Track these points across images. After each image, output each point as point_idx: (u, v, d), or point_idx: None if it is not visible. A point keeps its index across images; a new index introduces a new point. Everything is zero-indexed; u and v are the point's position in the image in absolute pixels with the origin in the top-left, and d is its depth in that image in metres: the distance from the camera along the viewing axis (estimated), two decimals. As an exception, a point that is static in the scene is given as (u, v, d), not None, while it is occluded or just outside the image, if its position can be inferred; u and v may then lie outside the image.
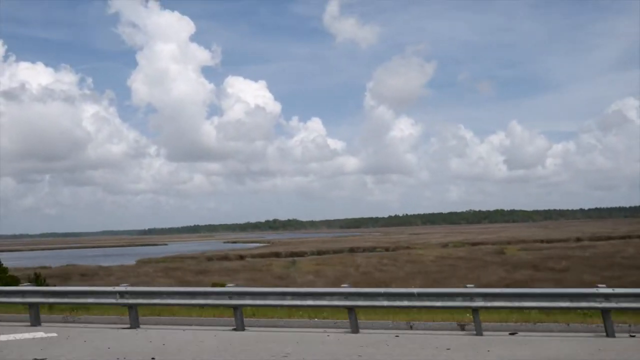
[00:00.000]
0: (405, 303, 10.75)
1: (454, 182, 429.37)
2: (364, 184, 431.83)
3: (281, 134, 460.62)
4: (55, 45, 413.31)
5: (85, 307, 13.22)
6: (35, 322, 12.13)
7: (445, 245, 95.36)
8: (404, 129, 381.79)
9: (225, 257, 79.10)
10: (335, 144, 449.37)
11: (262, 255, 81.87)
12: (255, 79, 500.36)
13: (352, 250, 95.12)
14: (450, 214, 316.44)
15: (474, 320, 10.43)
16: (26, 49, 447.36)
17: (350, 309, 10.87)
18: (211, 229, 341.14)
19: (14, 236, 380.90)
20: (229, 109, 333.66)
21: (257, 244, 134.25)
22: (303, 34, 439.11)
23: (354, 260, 63.07)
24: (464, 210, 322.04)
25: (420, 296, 10.66)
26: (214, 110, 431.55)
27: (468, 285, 10.73)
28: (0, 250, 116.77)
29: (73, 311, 13.43)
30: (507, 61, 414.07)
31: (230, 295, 11.45)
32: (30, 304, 12.27)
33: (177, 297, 11.99)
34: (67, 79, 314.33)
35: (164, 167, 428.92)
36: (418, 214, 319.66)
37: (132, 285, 12.43)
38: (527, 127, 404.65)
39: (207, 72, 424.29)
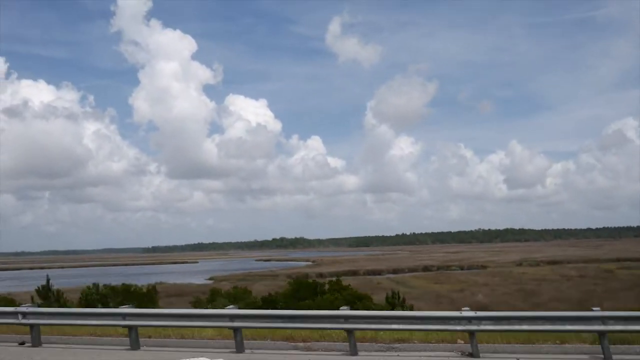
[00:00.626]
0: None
1: (454, 200, 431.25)
2: (363, 202, 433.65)
3: (281, 152, 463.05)
4: (57, 64, 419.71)
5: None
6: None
7: (519, 264, 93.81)
8: (404, 147, 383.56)
9: (305, 276, 77.99)
10: (335, 162, 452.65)
11: (338, 274, 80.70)
12: (255, 97, 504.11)
13: (426, 268, 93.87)
14: (459, 232, 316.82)
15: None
16: (28, 66, 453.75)
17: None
18: (217, 247, 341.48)
19: (15, 253, 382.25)
20: (229, 127, 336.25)
21: (302, 263, 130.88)
22: (303, 53, 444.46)
23: (469, 278, 61.08)
24: (473, 229, 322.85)
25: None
26: (215, 128, 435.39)
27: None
28: (29, 268, 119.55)
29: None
30: (505, 81, 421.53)
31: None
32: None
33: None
34: (68, 97, 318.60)
35: (165, 185, 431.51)
36: (427, 233, 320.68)
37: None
38: (526, 146, 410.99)
39: (208, 90, 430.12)
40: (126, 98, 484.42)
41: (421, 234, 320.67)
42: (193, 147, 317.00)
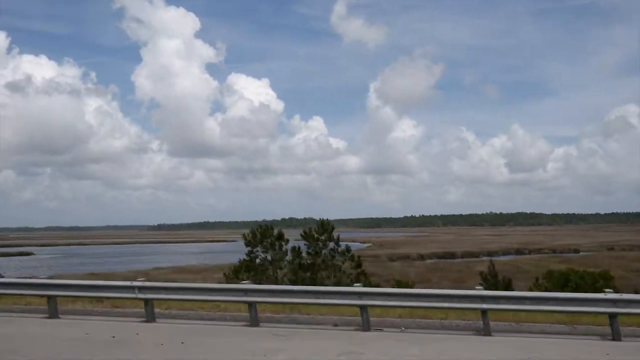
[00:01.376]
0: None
1: (453, 183, 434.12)
2: (366, 184, 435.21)
3: (283, 132, 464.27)
4: (59, 40, 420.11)
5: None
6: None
7: (610, 248, 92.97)
8: (406, 129, 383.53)
9: (406, 257, 75.75)
10: (337, 143, 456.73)
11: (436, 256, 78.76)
12: (258, 77, 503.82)
13: (519, 251, 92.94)
14: (471, 215, 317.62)
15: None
16: (29, 42, 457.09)
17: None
18: (224, 225, 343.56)
19: (19, 229, 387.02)
20: (232, 106, 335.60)
21: (355, 244, 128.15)
22: (306, 33, 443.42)
23: (612, 262, 59.61)
24: (485, 212, 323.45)
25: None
26: (217, 107, 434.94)
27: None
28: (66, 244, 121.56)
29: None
30: (508, 66, 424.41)
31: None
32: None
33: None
34: (70, 73, 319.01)
35: (166, 163, 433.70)
36: (438, 215, 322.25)
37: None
38: (528, 131, 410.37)
39: (211, 68, 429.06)
40: (128, 75, 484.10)
41: (432, 216, 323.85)
42: (195, 126, 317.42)
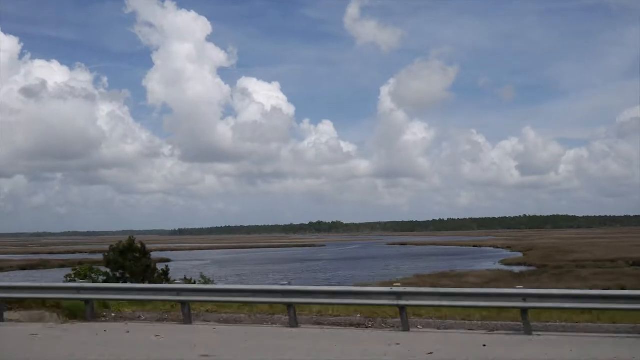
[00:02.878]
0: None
1: (468, 187, 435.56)
2: (374, 186, 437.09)
3: (293, 137, 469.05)
4: (71, 45, 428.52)
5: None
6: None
7: None
8: (417, 132, 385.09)
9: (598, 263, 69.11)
10: (347, 146, 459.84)
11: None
12: (269, 80, 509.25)
13: None
14: (505, 218, 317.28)
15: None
16: (40, 48, 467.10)
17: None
18: (250, 230, 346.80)
19: (37, 234, 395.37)
20: (243, 110, 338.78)
21: (487, 249, 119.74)
22: (314, 36, 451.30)
23: None
24: (519, 215, 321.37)
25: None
26: (229, 111, 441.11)
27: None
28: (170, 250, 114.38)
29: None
30: (518, 67, 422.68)
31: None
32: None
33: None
34: (82, 78, 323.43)
35: (178, 167, 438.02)
36: (473, 218, 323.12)
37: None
38: (539, 133, 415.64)
39: (222, 72, 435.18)
40: (140, 80, 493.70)
41: (467, 219, 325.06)
42: (207, 130, 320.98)
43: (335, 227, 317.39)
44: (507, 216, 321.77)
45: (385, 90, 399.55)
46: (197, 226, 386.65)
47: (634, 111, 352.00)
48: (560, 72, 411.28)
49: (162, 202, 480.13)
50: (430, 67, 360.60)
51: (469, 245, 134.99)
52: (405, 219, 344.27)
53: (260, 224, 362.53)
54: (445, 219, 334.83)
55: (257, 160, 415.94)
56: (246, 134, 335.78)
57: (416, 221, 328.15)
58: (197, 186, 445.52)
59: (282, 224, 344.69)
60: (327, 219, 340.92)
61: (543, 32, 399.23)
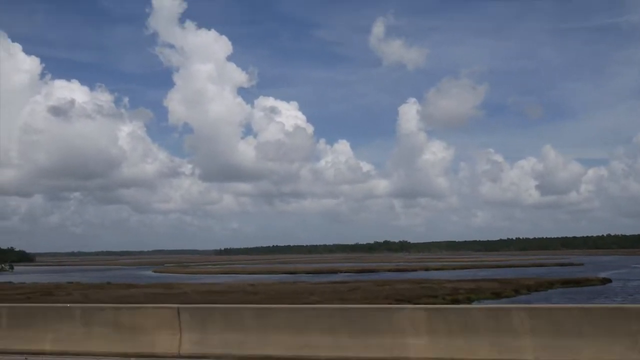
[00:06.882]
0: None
1: (485, 207, 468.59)
2: (391, 206, 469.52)
3: (311, 157, 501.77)
4: (92, 67, 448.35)
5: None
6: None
7: None
8: (436, 152, 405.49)
9: None
10: (365, 166, 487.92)
11: None
12: (287, 99, 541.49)
13: None
14: (544, 239, 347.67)
15: None
16: (60, 69, 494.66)
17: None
18: (311, 250, 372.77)
19: (72, 254, 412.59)
20: (262, 131, 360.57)
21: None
22: (327, 57, 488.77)
23: None
24: (553, 237, 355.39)
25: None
26: (249, 130, 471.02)
27: None
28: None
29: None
30: (532, 87, 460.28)
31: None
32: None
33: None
34: (103, 98, 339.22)
35: (196, 187, 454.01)
36: (512, 239, 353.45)
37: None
38: (558, 153, 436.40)
39: (242, 92, 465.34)
40: (161, 100, 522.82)
41: (506, 240, 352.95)
42: (228, 150, 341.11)
43: (404, 247, 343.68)
44: (591, 235, 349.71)
45: (402, 110, 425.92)
46: (238, 246, 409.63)
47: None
48: (572, 92, 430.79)
49: (170, 222, 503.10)
50: (459, 85, 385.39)
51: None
52: (472, 239, 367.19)
53: (318, 243, 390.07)
54: (531, 237, 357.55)
55: (278, 180, 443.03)
56: (270, 153, 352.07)
57: (500, 239, 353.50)
58: (221, 205, 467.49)
59: (345, 243, 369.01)
60: (380, 238, 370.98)
61: (552, 52, 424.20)
